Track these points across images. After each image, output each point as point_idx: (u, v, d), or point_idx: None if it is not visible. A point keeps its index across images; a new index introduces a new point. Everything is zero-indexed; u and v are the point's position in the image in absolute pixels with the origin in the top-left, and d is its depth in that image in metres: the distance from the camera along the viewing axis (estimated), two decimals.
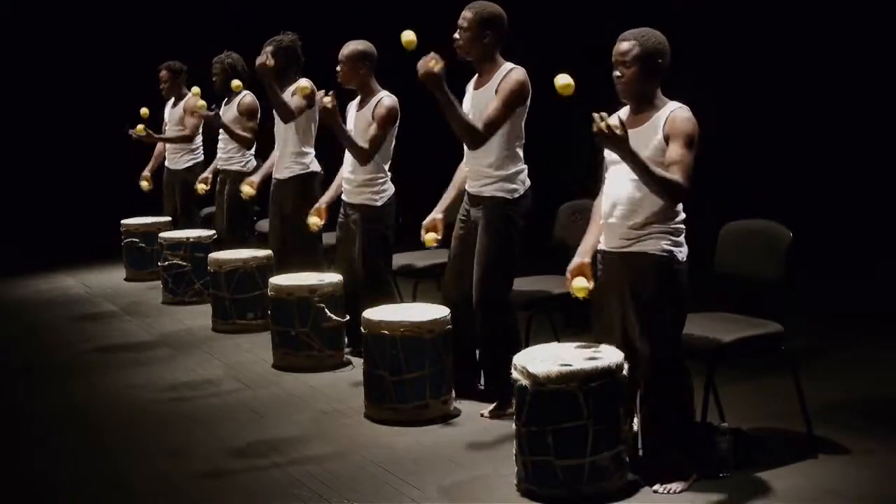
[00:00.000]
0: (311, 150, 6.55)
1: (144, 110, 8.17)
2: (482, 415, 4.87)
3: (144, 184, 8.67)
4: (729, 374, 4.61)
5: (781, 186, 8.55)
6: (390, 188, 5.73)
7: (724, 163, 9.12)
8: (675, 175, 3.75)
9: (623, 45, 3.88)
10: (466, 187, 4.94)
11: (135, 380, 5.76)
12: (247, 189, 6.85)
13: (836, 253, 7.42)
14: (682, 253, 3.92)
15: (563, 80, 3.95)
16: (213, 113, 7.23)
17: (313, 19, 9.89)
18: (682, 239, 3.93)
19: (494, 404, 4.87)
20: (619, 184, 3.94)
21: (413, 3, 8.36)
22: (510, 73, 4.72)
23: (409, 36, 4.70)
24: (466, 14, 4.75)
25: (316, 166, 6.56)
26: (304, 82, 6.01)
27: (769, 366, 4.59)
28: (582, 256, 4.04)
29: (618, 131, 3.61)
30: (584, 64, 4.17)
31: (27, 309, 7.86)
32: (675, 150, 3.79)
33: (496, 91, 4.69)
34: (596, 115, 3.63)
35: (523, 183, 4.81)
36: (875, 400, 4.95)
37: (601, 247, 4.04)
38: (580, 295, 3.98)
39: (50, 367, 6.13)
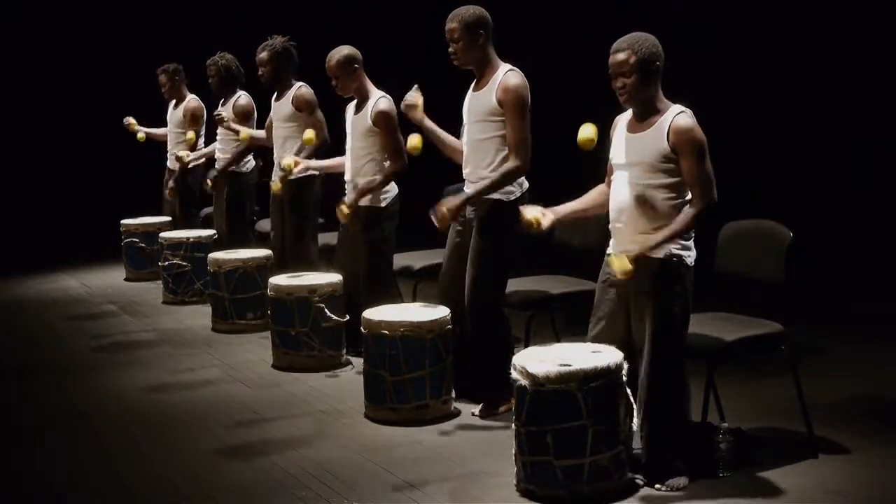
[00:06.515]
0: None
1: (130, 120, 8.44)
2: (473, 414, 4.88)
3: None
4: (729, 373, 4.61)
5: (781, 186, 8.56)
6: (393, 189, 5.68)
7: (725, 163, 9.13)
8: (698, 202, 3.83)
9: (619, 56, 3.87)
10: (465, 188, 4.90)
11: (134, 380, 5.76)
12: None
13: (836, 253, 7.41)
14: (690, 257, 3.93)
15: (585, 133, 3.99)
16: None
17: (309, 20, 9.89)
18: (690, 243, 3.94)
19: (482, 403, 4.88)
20: (625, 190, 3.94)
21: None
22: (509, 81, 4.65)
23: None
24: (452, 25, 4.71)
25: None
26: (308, 133, 6.02)
27: (769, 366, 4.59)
28: (554, 211, 4.14)
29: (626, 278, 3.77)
30: (582, 65, 4.14)
31: (27, 309, 7.86)
32: (693, 169, 3.82)
33: (498, 102, 4.64)
34: (615, 266, 3.76)
35: (520, 185, 4.77)
36: (875, 400, 4.95)
37: (610, 250, 4.05)
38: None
39: (50, 367, 6.13)
